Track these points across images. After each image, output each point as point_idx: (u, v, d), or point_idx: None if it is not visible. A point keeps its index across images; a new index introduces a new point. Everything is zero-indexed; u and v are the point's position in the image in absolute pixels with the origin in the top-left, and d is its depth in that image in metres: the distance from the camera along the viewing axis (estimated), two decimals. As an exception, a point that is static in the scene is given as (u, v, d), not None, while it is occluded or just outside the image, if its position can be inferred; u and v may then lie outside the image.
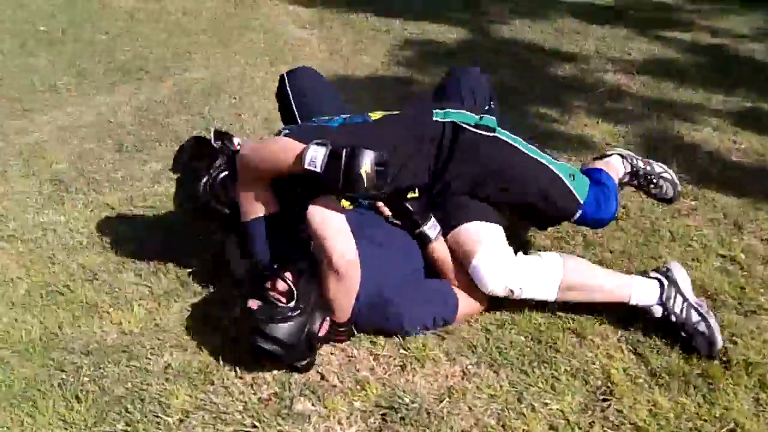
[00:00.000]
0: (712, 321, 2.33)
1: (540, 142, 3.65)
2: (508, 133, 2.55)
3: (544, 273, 2.42)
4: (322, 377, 2.28)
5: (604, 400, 2.20)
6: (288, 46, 5.42)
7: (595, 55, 5.27)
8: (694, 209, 3.22)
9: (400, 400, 2.18)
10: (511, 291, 2.40)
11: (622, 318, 2.51)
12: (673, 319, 2.37)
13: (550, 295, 2.43)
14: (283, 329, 2.16)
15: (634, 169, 2.86)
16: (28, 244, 3.02)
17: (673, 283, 2.42)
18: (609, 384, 2.26)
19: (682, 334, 2.35)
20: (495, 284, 2.38)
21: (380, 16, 6.08)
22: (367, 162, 2.13)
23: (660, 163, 2.91)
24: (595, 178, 2.64)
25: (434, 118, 2.49)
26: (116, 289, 2.71)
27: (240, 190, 2.41)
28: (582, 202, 2.52)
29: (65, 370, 2.33)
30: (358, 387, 2.24)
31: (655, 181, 2.86)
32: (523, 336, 2.46)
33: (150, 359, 2.36)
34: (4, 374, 2.33)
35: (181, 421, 2.13)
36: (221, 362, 2.33)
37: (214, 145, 2.56)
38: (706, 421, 2.12)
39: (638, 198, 3.26)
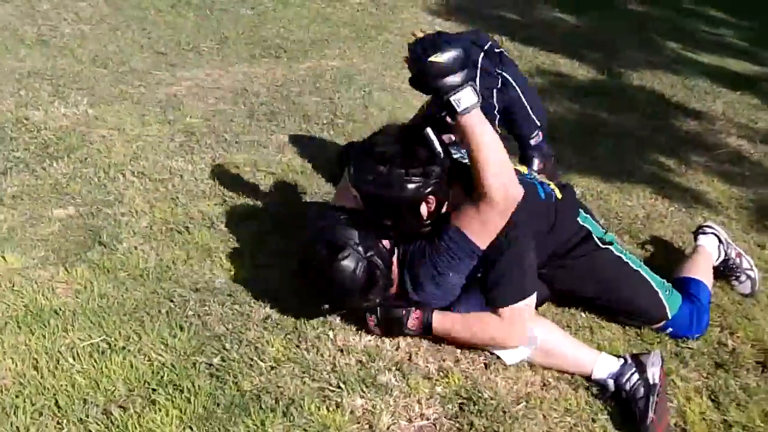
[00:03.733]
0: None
1: (654, 189, 3.73)
2: (620, 247, 2.70)
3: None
4: (410, 358, 2.37)
5: (679, 434, 2.24)
6: (421, 53, 5.51)
7: (721, 117, 5.20)
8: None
9: (480, 394, 2.25)
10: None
11: (707, 366, 2.55)
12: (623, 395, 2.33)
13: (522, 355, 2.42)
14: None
15: (726, 257, 3.00)
16: (155, 183, 3.21)
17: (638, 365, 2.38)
18: (683, 423, 2.30)
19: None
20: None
21: (515, 41, 6.14)
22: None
23: (749, 258, 3.03)
24: (692, 292, 2.71)
25: (577, 219, 2.64)
26: (231, 239, 2.86)
27: None
28: (671, 317, 2.61)
29: (173, 300, 2.49)
30: (442, 374, 2.32)
31: (738, 274, 2.99)
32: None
33: (252, 307, 2.49)
34: (118, 293, 2.50)
35: (272, 368, 2.25)
36: (316, 324, 2.45)
37: (437, 150, 2.32)
38: None
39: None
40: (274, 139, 3.77)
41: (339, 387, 2.21)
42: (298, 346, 2.35)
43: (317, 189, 3.35)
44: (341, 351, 2.35)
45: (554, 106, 4.87)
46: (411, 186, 2.30)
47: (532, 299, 2.37)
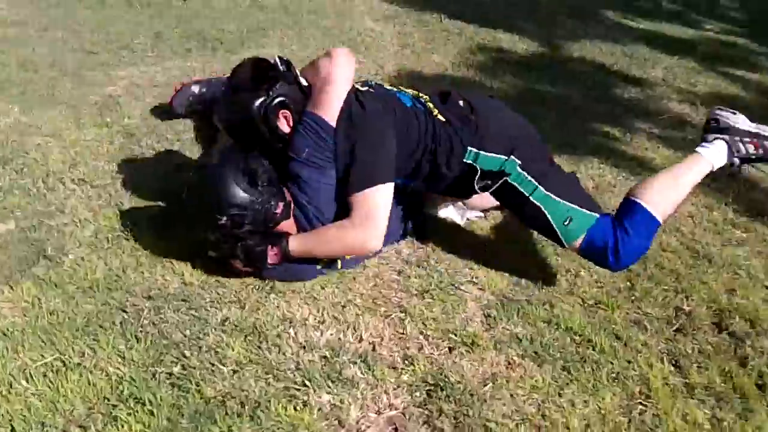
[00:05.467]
0: None
1: (601, 159, 3.75)
2: (519, 175, 2.65)
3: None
4: (374, 348, 2.35)
5: (641, 404, 2.26)
6: (361, 37, 5.47)
7: (661, 82, 5.26)
8: (744, 240, 3.25)
9: (446, 379, 2.24)
10: None
11: (665, 330, 2.60)
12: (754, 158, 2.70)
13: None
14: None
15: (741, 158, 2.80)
16: (98, 189, 3.10)
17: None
18: (647, 390, 2.32)
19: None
20: None
21: (454, 18, 6.12)
22: None
23: None
24: (624, 220, 2.63)
25: (464, 159, 2.65)
26: (181, 243, 2.77)
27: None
28: (570, 245, 2.65)
29: (126, 310, 2.41)
30: (407, 362, 2.30)
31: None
32: (569, 335, 2.52)
33: (209, 311, 2.43)
34: (68, 307, 2.41)
35: (235, 371, 2.20)
36: (276, 322, 2.41)
37: (280, 68, 2.61)
38: None
39: (692, 222, 3.31)
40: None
41: (305, 385, 2.17)
42: (259, 347, 2.29)
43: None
44: (303, 348, 2.31)
45: (497, 82, 4.88)
46: (257, 102, 2.52)
47: (387, 189, 2.50)
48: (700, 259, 3.05)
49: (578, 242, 2.61)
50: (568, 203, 2.60)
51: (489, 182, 2.65)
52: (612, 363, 2.42)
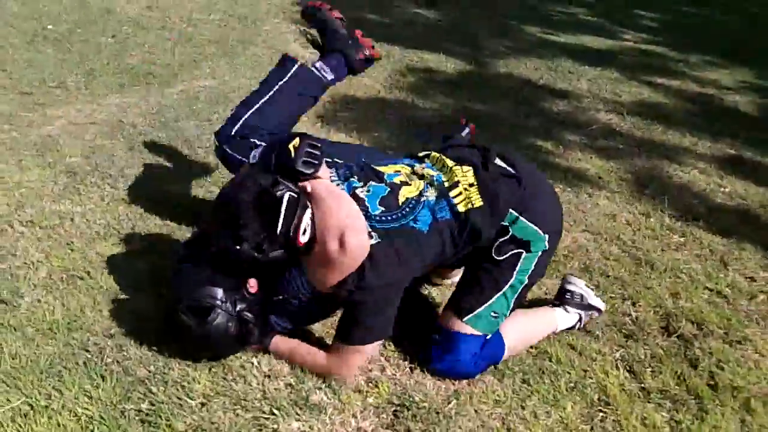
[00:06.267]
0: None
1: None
2: (532, 260, 2.48)
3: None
4: (337, 373, 2.40)
5: (601, 411, 2.36)
6: (291, 64, 5.52)
7: (587, 94, 5.46)
8: (682, 244, 3.39)
9: (411, 399, 2.32)
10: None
11: (617, 338, 2.72)
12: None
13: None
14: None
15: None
16: (46, 230, 3.10)
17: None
18: (605, 397, 2.43)
19: None
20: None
21: (380, 41, 6.20)
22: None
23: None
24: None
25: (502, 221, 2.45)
26: (135, 278, 2.80)
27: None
28: (460, 320, 2.46)
29: (89, 350, 2.42)
30: (371, 385, 2.38)
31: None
32: (526, 349, 2.61)
33: (171, 345, 2.44)
34: (29, 350, 2.41)
35: (203, 404, 2.24)
36: (240, 353, 2.44)
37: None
38: None
39: (630, 230, 3.45)
40: (159, 169, 3.71)
41: (273, 413, 2.22)
42: (224, 378, 2.34)
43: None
44: (268, 377, 2.37)
45: (429, 102, 5.01)
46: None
47: (375, 345, 2.42)
48: (642, 266, 3.19)
49: (470, 330, 2.43)
50: (509, 311, 2.48)
51: (509, 248, 2.44)
52: (569, 373, 2.53)
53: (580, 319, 2.72)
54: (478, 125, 4.58)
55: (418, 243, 2.33)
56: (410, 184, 2.43)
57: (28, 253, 2.94)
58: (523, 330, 2.59)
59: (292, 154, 2.31)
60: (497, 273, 2.44)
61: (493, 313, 2.43)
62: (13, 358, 2.37)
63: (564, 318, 2.70)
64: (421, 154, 2.61)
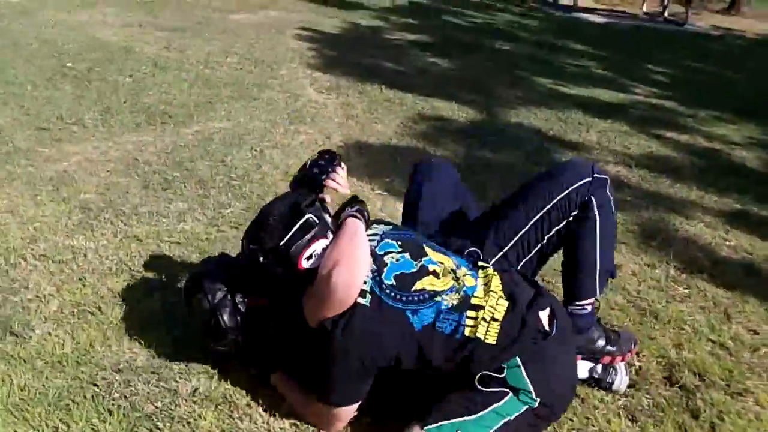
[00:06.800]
0: None
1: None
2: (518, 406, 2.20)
3: None
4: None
5: (602, 459, 2.37)
6: (306, 108, 5.62)
7: (596, 146, 5.50)
8: (687, 296, 3.40)
9: None
10: None
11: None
12: None
13: None
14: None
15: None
16: (59, 265, 3.15)
17: None
18: (606, 446, 2.42)
19: None
20: None
21: (393, 89, 6.32)
22: None
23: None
24: None
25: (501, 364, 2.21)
26: (145, 314, 2.84)
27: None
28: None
29: (97, 384, 2.45)
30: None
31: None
32: (529, 397, 2.62)
33: (178, 382, 2.48)
34: (38, 382, 2.44)
35: (208, 440, 2.26)
36: (244, 391, 2.46)
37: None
38: None
39: (636, 281, 3.46)
40: (173, 208, 3.76)
41: (276, 452, 2.24)
42: (230, 416, 2.36)
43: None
44: (274, 416, 2.37)
45: (440, 150, 5.04)
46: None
47: (345, 413, 2.31)
48: (647, 316, 3.19)
49: None
50: None
51: (496, 385, 2.20)
52: (572, 420, 2.52)
53: None
54: (489, 172, 4.67)
55: (401, 335, 2.17)
56: (439, 278, 2.24)
57: (40, 286, 2.98)
58: None
59: (306, 164, 2.49)
60: (473, 397, 2.19)
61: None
62: (21, 390, 2.40)
63: None
64: (482, 264, 2.42)
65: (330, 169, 2.46)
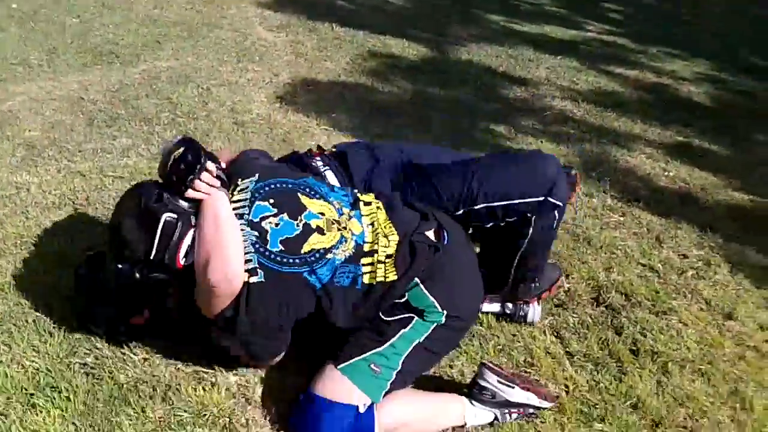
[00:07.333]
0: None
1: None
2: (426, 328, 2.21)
3: None
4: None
5: (525, 371, 2.51)
6: (255, 46, 5.61)
7: (545, 81, 5.57)
8: (621, 223, 3.53)
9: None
10: None
11: (547, 306, 2.84)
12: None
13: None
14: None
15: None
16: (3, 199, 3.20)
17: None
18: (530, 359, 2.57)
19: None
20: None
21: (344, 26, 6.31)
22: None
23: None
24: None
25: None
26: (86, 245, 2.89)
27: None
28: (332, 368, 2.18)
29: (39, 309, 2.53)
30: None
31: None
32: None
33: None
34: (-20, 309, 2.52)
35: (145, 359, 2.37)
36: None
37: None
38: (613, 395, 2.44)
39: (572, 209, 3.52)
40: (117, 144, 3.79)
41: (212, 368, 2.34)
42: (167, 336, 2.44)
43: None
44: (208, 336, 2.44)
45: (389, 86, 5.09)
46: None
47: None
48: (580, 242, 3.32)
49: (340, 384, 2.13)
50: (395, 372, 2.16)
51: (400, 312, 2.20)
52: (498, 336, 2.66)
53: (496, 418, 2.31)
54: (436, 108, 4.73)
55: (302, 297, 2.17)
56: (324, 234, 2.22)
57: (-17, 220, 3.03)
58: (408, 415, 2.22)
59: (168, 165, 2.21)
60: (382, 328, 2.19)
61: (373, 366, 2.14)
62: (-36, 316, 2.47)
63: (473, 413, 2.30)
64: (364, 198, 2.40)
65: (198, 169, 2.19)
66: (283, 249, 2.15)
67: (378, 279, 2.19)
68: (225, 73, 4.98)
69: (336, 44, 5.89)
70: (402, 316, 2.19)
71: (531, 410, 2.32)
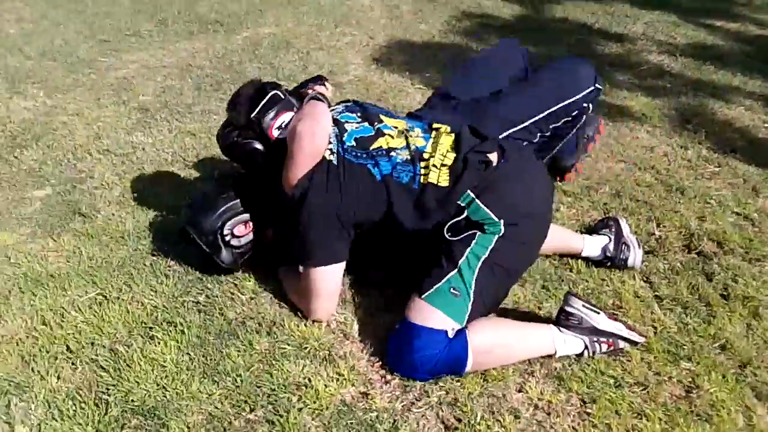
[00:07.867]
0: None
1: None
2: (489, 240, 2.30)
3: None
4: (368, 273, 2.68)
5: (614, 313, 2.52)
6: (352, 11, 5.77)
7: (642, 37, 5.50)
8: (716, 174, 3.48)
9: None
10: None
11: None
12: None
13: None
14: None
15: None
16: (121, 158, 3.48)
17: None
18: (619, 302, 2.60)
19: None
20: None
21: (441, -11, 6.39)
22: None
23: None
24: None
25: (458, 201, 2.35)
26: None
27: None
28: (418, 298, 2.29)
29: (155, 254, 2.78)
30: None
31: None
32: (547, 261, 2.80)
33: (226, 253, 2.76)
34: (104, 253, 2.79)
35: (252, 298, 2.56)
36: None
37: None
38: (701, 336, 2.45)
39: (666, 160, 3.56)
40: (223, 106, 3.97)
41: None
42: (273, 278, 2.64)
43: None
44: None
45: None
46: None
47: (322, 278, 2.42)
48: (673, 192, 3.30)
49: (430, 317, 2.24)
50: (473, 292, 2.25)
51: (463, 230, 2.32)
52: (587, 281, 2.70)
53: (586, 347, 2.35)
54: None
55: (364, 185, 2.35)
56: (393, 138, 2.44)
57: (105, 176, 3.32)
58: (498, 338, 2.32)
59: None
60: (451, 249, 2.30)
61: (453, 290, 2.25)
62: (90, 259, 2.76)
63: (562, 339, 2.35)
64: (435, 125, 2.56)
65: (317, 80, 2.80)
66: (354, 145, 2.42)
67: (431, 180, 2.35)
68: (323, 37, 5.16)
69: (431, 7, 5.99)
70: (466, 234, 2.31)
71: (621, 343, 2.37)
